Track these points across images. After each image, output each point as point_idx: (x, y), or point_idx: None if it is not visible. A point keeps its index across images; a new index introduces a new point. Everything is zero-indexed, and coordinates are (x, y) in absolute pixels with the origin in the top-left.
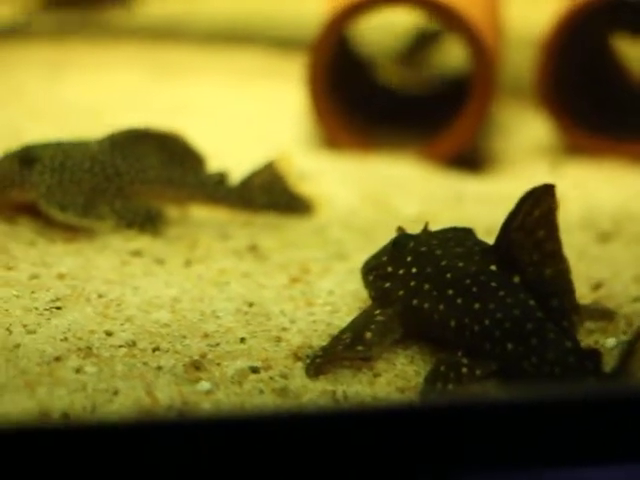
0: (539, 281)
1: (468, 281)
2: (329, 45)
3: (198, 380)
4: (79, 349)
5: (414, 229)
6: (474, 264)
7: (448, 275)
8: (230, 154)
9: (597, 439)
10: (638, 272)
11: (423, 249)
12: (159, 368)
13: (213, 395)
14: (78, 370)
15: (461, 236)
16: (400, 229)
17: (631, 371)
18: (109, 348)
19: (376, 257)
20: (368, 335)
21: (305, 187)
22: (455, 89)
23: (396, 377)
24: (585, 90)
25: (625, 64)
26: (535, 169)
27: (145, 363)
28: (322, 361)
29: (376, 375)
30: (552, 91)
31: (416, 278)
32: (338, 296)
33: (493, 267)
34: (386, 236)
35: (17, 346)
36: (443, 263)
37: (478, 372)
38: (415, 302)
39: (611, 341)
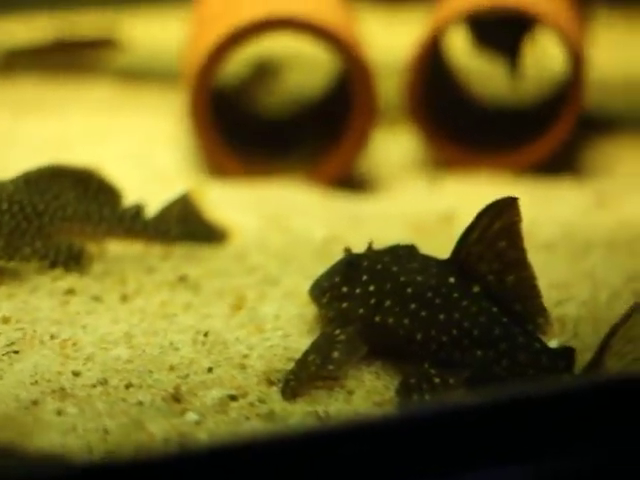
0: (502, 289)
1: (430, 294)
2: (212, 74)
3: (184, 412)
4: (53, 391)
5: (328, 252)
6: (433, 277)
7: (409, 290)
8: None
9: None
10: (552, 278)
11: (378, 267)
12: (140, 403)
13: (204, 425)
14: (60, 412)
15: (410, 252)
16: (348, 250)
17: (604, 369)
18: (82, 388)
19: (327, 279)
20: (336, 354)
21: (217, 216)
22: (327, 110)
23: (369, 393)
24: (449, 107)
25: (465, 80)
26: (415, 185)
27: (124, 400)
28: (296, 384)
29: (350, 392)
30: (421, 109)
31: (376, 295)
32: (285, 320)
33: (452, 279)
34: (303, 259)
35: None
36: (402, 279)
37: (451, 381)
38: (378, 319)
39: (553, 343)
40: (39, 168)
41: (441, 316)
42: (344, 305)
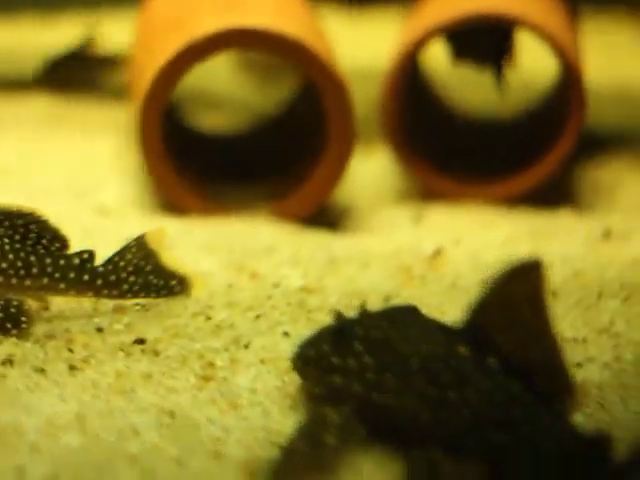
0: (522, 362)
1: (437, 366)
2: (165, 95)
3: None
4: None
5: (306, 304)
6: (440, 347)
7: (413, 362)
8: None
9: None
10: (565, 333)
11: (375, 335)
12: None
13: None
14: None
15: (410, 315)
16: (337, 313)
17: None
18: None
19: (313, 346)
20: (329, 439)
21: (177, 262)
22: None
23: None
24: (431, 130)
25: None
26: (397, 219)
27: None
28: (284, 478)
29: None
30: (399, 135)
31: (374, 369)
32: (263, 394)
33: (463, 349)
34: (277, 314)
35: None
36: (404, 349)
37: (464, 470)
38: (376, 397)
39: (579, 418)
40: None
41: (451, 394)
42: (335, 379)
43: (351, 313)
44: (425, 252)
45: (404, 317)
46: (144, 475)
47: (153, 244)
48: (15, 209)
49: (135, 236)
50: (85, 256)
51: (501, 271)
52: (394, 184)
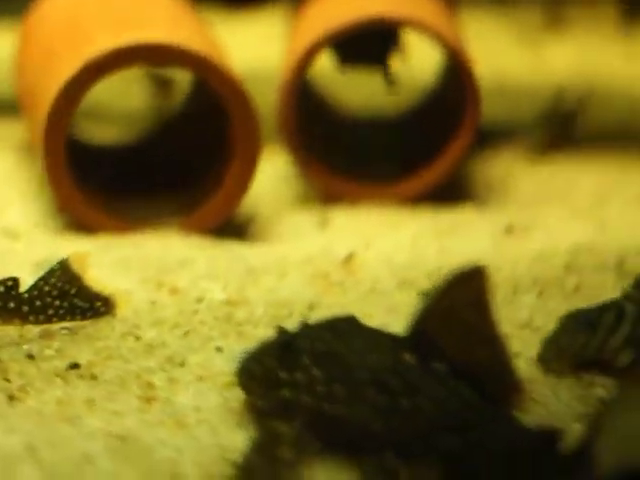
0: (468, 366)
1: (386, 376)
2: (67, 120)
3: None
4: None
5: (232, 317)
6: (387, 356)
7: (361, 373)
8: None
9: None
10: None
11: (321, 347)
12: None
13: None
14: None
15: (352, 326)
16: (280, 328)
17: (594, 452)
18: None
19: (257, 362)
20: (284, 453)
21: (100, 284)
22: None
23: None
24: (326, 135)
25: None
26: (303, 225)
27: None
28: None
29: None
30: (297, 139)
31: (323, 382)
32: (207, 412)
33: (408, 356)
34: (206, 329)
35: None
36: (351, 360)
37: (419, 475)
38: (327, 408)
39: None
40: None
41: (402, 401)
42: (284, 393)
43: (290, 326)
44: (338, 257)
45: (346, 327)
46: None
47: (76, 267)
48: None
49: (56, 260)
50: (10, 283)
51: (443, 279)
52: (293, 188)
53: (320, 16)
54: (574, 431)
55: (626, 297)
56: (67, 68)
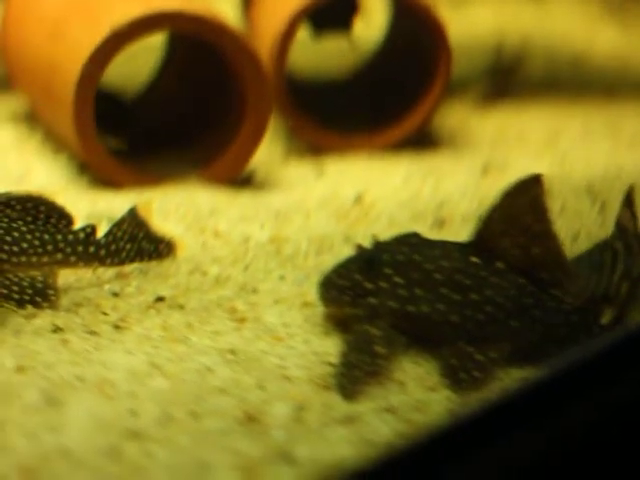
0: (528, 261)
1: (458, 276)
2: (96, 79)
3: (266, 430)
4: (125, 435)
5: (280, 250)
6: (456, 261)
7: (437, 276)
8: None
9: None
10: None
11: (400, 258)
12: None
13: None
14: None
15: (421, 240)
16: (359, 246)
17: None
18: (151, 426)
19: (344, 277)
20: (380, 350)
21: (162, 230)
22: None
23: (416, 380)
24: (310, 94)
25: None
26: (303, 174)
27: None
28: (352, 385)
29: (401, 383)
30: (286, 98)
31: (405, 287)
32: (295, 326)
33: (474, 259)
34: (262, 261)
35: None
36: (428, 266)
37: (493, 355)
38: (411, 309)
39: None
40: None
41: (473, 296)
42: (372, 301)
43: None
44: (348, 198)
45: (417, 241)
46: (239, 401)
47: (142, 215)
48: (24, 194)
49: (127, 210)
50: (89, 230)
51: (504, 189)
52: (285, 144)
53: None
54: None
55: (614, 237)
56: (87, 37)
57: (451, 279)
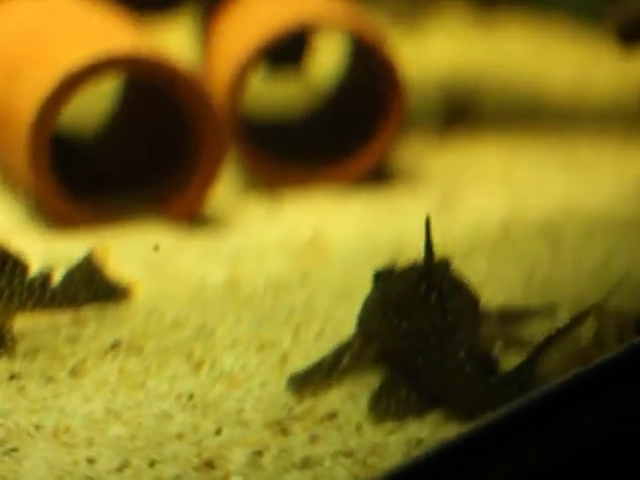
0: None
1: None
2: (52, 120)
3: (227, 476)
4: None
5: (235, 291)
6: None
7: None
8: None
9: None
10: None
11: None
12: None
13: None
14: None
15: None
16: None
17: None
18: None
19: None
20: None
21: (117, 273)
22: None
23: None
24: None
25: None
26: (258, 210)
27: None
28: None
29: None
30: (242, 133)
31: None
32: (253, 369)
33: None
34: (218, 306)
35: None
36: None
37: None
38: None
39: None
40: None
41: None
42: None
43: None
44: (306, 236)
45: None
46: (196, 446)
47: (99, 258)
48: None
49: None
50: (45, 275)
51: None
52: (242, 180)
53: (249, 23)
54: None
55: None
56: (41, 81)
57: None
